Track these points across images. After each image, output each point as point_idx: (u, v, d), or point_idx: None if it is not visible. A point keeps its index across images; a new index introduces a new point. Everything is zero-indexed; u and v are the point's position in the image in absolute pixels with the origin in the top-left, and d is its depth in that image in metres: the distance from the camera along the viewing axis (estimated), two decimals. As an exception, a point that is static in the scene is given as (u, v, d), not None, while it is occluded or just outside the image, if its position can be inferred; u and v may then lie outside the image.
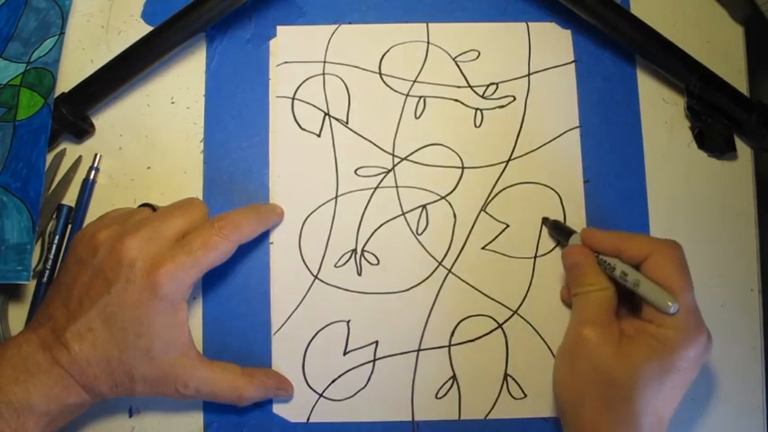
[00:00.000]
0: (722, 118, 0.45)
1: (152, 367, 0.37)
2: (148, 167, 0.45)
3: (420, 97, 0.46)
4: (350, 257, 0.44)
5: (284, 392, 0.42)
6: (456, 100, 0.46)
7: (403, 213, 0.45)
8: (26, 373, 0.35)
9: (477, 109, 0.46)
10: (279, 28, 0.47)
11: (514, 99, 0.46)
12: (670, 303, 0.36)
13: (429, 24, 0.47)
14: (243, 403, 0.40)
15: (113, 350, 0.36)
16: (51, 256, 0.43)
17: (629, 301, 0.40)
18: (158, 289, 0.36)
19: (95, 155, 0.45)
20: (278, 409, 0.43)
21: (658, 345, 0.36)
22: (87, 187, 0.44)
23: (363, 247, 0.44)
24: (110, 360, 0.36)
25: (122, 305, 0.36)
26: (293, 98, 0.46)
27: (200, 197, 0.45)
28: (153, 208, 0.42)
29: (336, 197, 0.45)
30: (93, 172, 0.44)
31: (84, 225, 0.44)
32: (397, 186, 0.45)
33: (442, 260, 0.44)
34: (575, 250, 0.40)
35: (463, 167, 0.45)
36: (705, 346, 0.36)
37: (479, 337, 0.43)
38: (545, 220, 0.44)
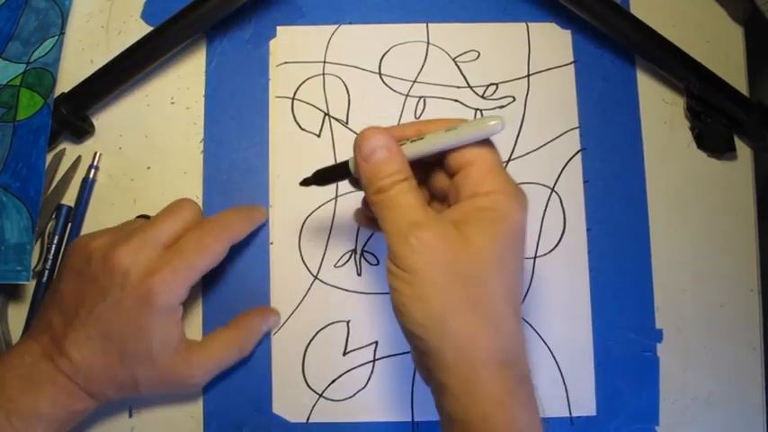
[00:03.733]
0: (722, 118, 0.45)
1: (154, 368, 0.37)
2: (148, 167, 0.45)
3: (420, 97, 0.46)
4: (350, 257, 0.44)
5: (275, 319, 0.43)
6: (456, 100, 0.46)
7: (403, 213, 0.45)
8: (31, 383, 0.35)
9: (476, 109, 0.46)
10: (279, 28, 0.47)
11: (514, 99, 0.46)
12: (498, 119, 0.31)
13: (429, 24, 0.47)
14: (246, 354, 0.42)
15: (114, 356, 0.36)
16: (51, 256, 0.43)
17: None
18: (153, 297, 0.36)
19: (95, 153, 0.45)
20: (278, 409, 0.43)
21: (495, 214, 0.31)
22: (87, 186, 0.44)
23: (363, 247, 0.44)
24: (112, 366, 0.37)
25: (119, 313, 0.36)
26: (293, 98, 0.46)
27: (200, 197, 0.45)
28: (146, 217, 0.42)
29: (336, 197, 0.45)
30: (92, 170, 0.44)
31: (82, 229, 0.44)
32: (396, 186, 0.45)
33: (442, 260, 0.44)
34: (372, 132, 0.32)
35: (463, 167, 0.45)
36: (526, 204, 0.32)
37: (479, 338, 0.43)
38: (306, 182, 0.37)
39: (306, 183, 0.37)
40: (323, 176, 0.37)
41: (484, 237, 0.30)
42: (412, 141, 0.33)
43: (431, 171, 0.35)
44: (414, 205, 0.31)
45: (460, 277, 0.30)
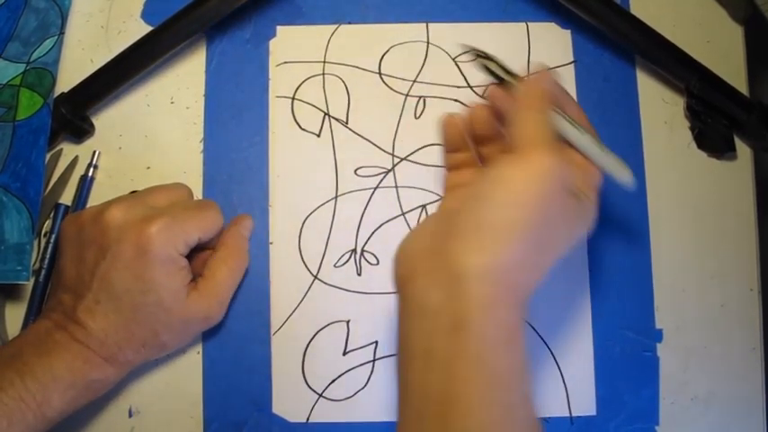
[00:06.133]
0: (722, 118, 0.45)
1: (170, 316, 0.37)
2: (148, 167, 0.45)
3: (420, 97, 0.46)
4: (349, 257, 0.44)
5: (246, 223, 0.43)
6: (456, 100, 0.46)
7: (403, 213, 0.45)
8: (46, 350, 0.35)
9: (476, 109, 0.46)
10: (279, 28, 0.47)
11: (514, 99, 0.46)
12: (631, 178, 0.36)
13: (429, 24, 0.47)
14: (246, 263, 0.42)
15: (127, 313, 0.37)
16: (48, 255, 0.43)
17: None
18: (150, 245, 0.36)
19: (94, 152, 0.45)
20: (277, 409, 0.43)
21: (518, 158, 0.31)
22: (85, 184, 0.44)
23: (363, 247, 0.44)
24: (127, 324, 0.37)
25: (119, 267, 0.36)
26: (293, 98, 0.46)
27: (200, 197, 0.45)
28: None
29: (336, 197, 0.45)
30: (91, 169, 0.44)
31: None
32: (396, 186, 0.45)
33: (442, 260, 0.44)
34: (547, 77, 0.35)
35: (463, 167, 0.45)
36: (594, 216, 0.35)
37: (479, 338, 0.43)
38: (473, 54, 0.38)
39: (473, 51, 0.38)
40: (490, 71, 0.37)
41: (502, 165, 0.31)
42: (567, 120, 0.35)
43: None
44: (546, 134, 0.32)
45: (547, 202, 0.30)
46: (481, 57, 0.37)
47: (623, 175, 0.36)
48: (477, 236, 0.29)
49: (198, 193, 0.45)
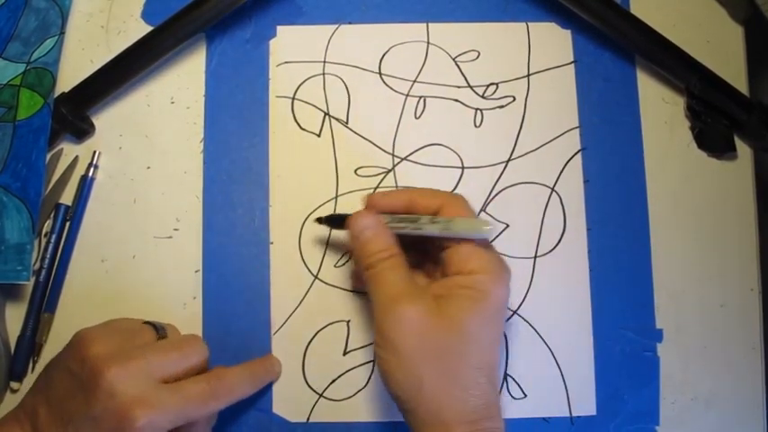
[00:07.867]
0: (722, 118, 0.45)
1: None
2: (148, 167, 0.45)
3: (420, 97, 0.46)
4: (350, 257, 0.44)
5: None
6: (456, 100, 0.46)
7: (403, 213, 0.45)
8: None
9: (477, 109, 0.46)
10: (279, 28, 0.47)
11: (514, 99, 0.46)
12: (488, 226, 0.35)
13: (429, 24, 0.47)
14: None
15: None
16: (48, 256, 0.43)
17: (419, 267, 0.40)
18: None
19: (94, 152, 0.45)
20: (278, 408, 0.43)
21: (474, 293, 0.34)
22: (86, 185, 0.44)
23: (363, 247, 0.44)
24: None
25: (96, 430, 0.34)
26: (293, 98, 0.46)
27: (200, 197, 0.45)
28: (155, 327, 0.39)
29: (336, 197, 0.45)
30: (92, 169, 0.44)
31: (81, 229, 0.44)
32: (396, 186, 0.45)
33: (442, 260, 0.44)
34: (362, 214, 0.37)
35: (463, 167, 0.45)
36: (508, 281, 0.35)
37: (479, 337, 0.43)
38: (319, 220, 0.42)
39: (319, 221, 0.42)
40: (333, 221, 0.41)
41: (461, 312, 0.34)
42: (403, 222, 0.36)
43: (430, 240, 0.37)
44: (396, 281, 0.35)
45: (435, 349, 0.34)
46: (319, 220, 0.42)
47: (483, 232, 0.35)
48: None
49: (198, 194, 0.45)
